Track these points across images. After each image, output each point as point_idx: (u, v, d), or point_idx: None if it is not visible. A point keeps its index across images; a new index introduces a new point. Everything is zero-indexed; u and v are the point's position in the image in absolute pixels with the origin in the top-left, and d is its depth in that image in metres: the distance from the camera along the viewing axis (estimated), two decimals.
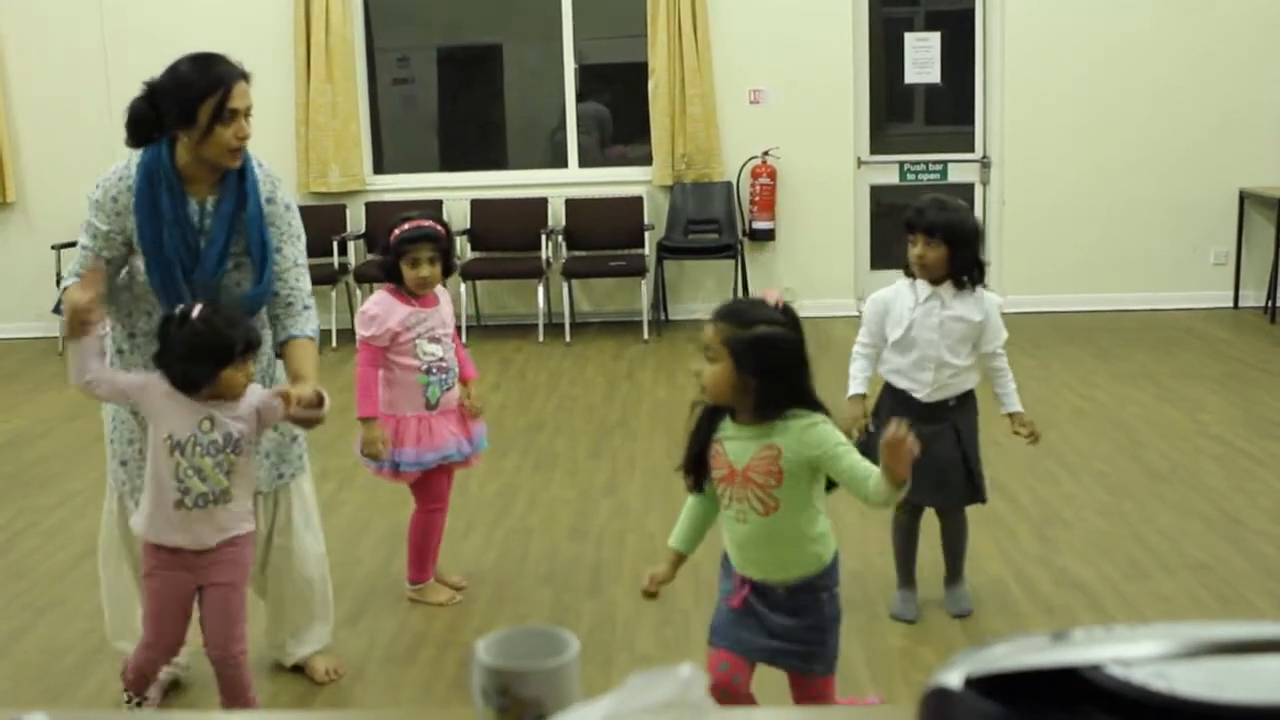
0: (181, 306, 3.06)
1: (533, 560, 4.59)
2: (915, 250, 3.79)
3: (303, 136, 8.92)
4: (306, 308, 3.44)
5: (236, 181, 3.34)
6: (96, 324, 3.01)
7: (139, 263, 3.32)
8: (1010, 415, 3.93)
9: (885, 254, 9.01)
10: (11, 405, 7.20)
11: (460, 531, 4.89)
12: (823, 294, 8.85)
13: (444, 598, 4.22)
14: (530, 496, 5.31)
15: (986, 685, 1.05)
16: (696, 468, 2.79)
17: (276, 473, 3.57)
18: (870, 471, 2.63)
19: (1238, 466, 5.35)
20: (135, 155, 3.31)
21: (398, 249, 4.04)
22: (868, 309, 3.96)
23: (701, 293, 9.09)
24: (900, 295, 3.88)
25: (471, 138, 10.06)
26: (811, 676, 2.85)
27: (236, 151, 3.27)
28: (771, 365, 2.63)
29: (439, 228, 4.10)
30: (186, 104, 3.21)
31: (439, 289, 4.17)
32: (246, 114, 3.30)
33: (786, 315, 2.66)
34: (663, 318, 8.90)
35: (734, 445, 2.72)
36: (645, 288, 8.73)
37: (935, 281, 3.81)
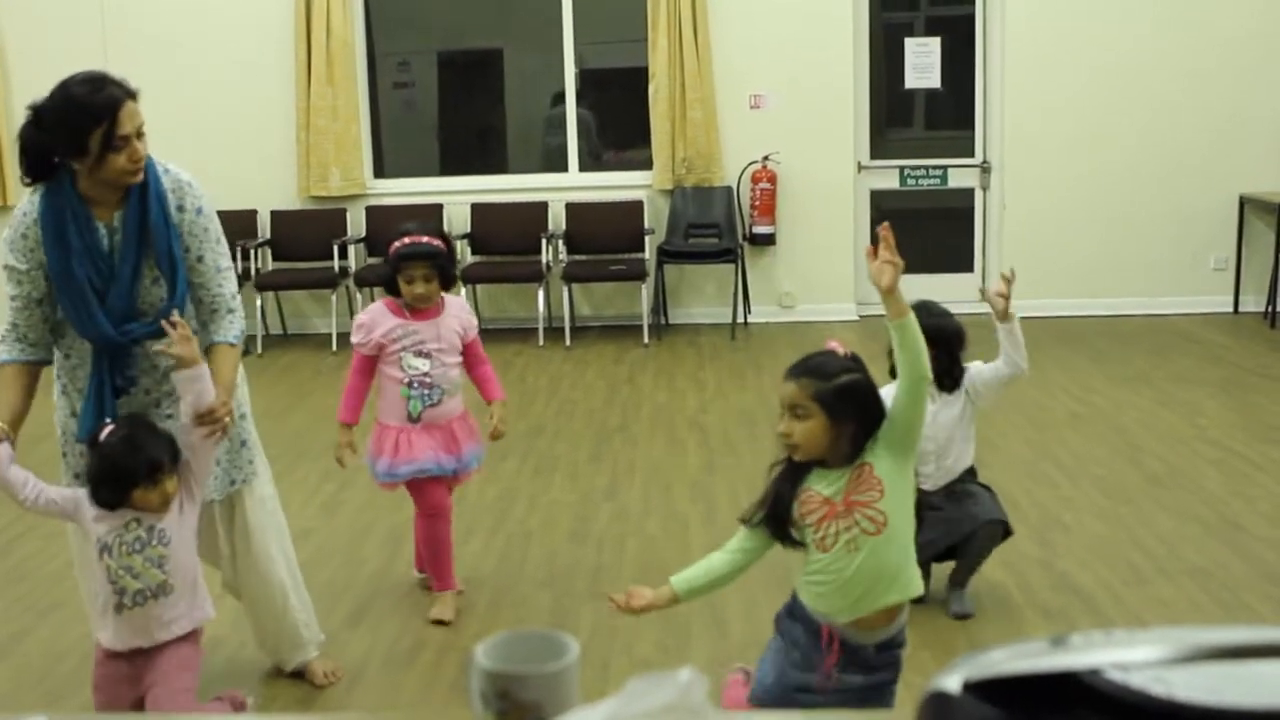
0: (98, 430, 3.07)
1: (532, 564, 4.60)
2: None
3: (303, 140, 8.92)
4: (231, 311, 3.39)
5: (139, 197, 3.25)
6: None
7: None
8: (998, 314, 3.95)
9: None
10: None
11: (460, 536, 4.88)
12: (823, 299, 8.86)
13: (445, 615, 4.13)
14: (530, 500, 5.32)
15: (985, 690, 1.05)
16: (781, 520, 2.78)
17: (229, 479, 3.51)
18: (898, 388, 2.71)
19: (1236, 471, 5.36)
20: (38, 188, 3.25)
21: (394, 264, 4.05)
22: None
23: (702, 297, 9.10)
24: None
25: (472, 142, 10.07)
26: None
27: (135, 172, 3.18)
28: (862, 409, 2.69)
29: (436, 243, 4.05)
30: (75, 135, 3.10)
31: (455, 301, 4.18)
32: (139, 134, 3.16)
33: (855, 361, 2.75)
34: (663, 322, 8.90)
35: (826, 485, 2.72)
36: (645, 292, 8.73)
37: None
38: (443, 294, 4.13)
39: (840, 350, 2.76)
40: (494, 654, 1.27)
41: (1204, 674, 0.95)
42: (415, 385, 4.04)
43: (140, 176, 3.20)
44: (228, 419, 3.19)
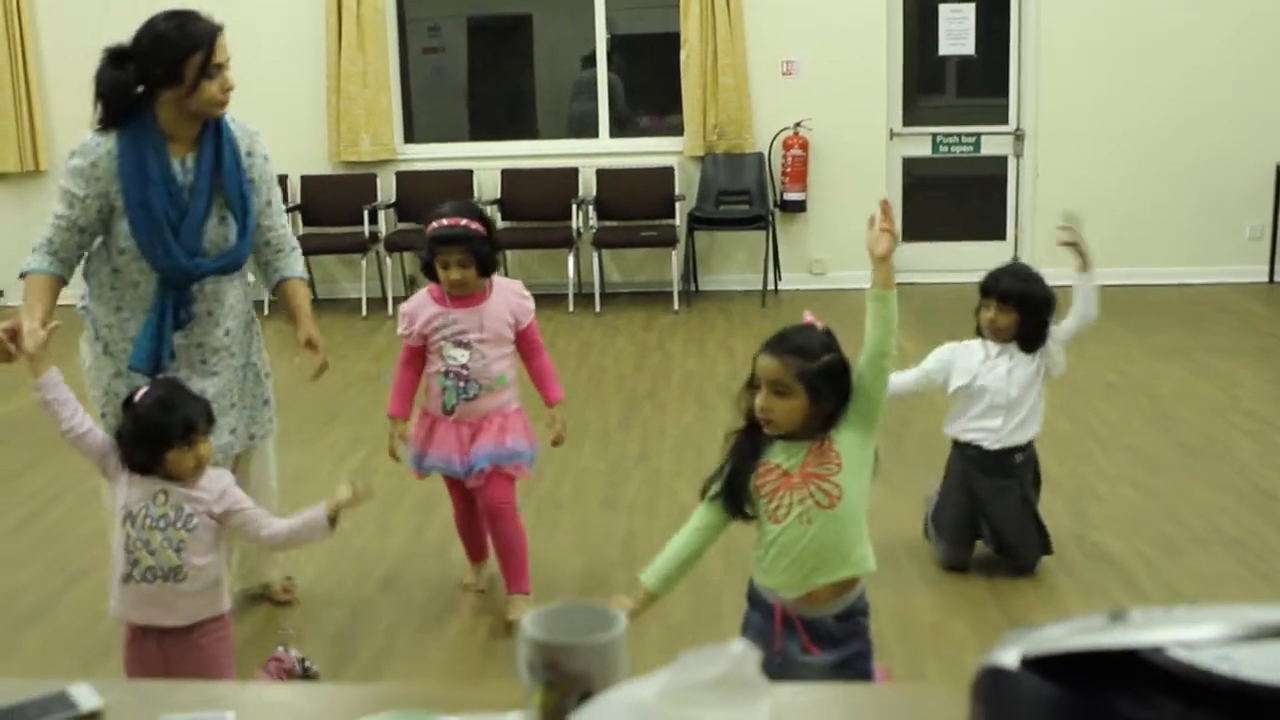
0: (134, 391, 3.06)
1: (563, 532, 4.60)
2: (988, 314, 3.97)
3: (333, 106, 8.91)
4: (294, 249, 3.75)
5: (214, 137, 3.47)
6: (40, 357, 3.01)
7: (123, 226, 3.41)
8: (1083, 264, 4.12)
9: (917, 226, 8.97)
10: None
11: None
12: (854, 266, 8.80)
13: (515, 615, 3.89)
14: (561, 467, 5.31)
15: (1043, 665, 1.04)
16: (737, 494, 2.76)
17: (248, 434, 3.75)
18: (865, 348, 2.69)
19: (1272, 442, 5.31)
20: (97, 135, 3.41)
21: (429, 248, 3.78)
22: (936, 352, 4.09)
23: (732, 264, 9.07)
24: (971, 351, 4.04)
25: (502, 107, 10.04)
26: None
27: (224, 102, 3.42)
28: (841, 388, 2.67)
29: (472, 226, 3.73)
30: (172, 62, 3.30)
31: (506, 285, 3.90)
32: (228, 66, 3.40)
33: (830, 338, 2.72)
34: (693, 288, 8.88)
35: (787, 458, 2.70)
36: (676, 258, 8.70)
37: (1004, 342, 3.98)
38: (492, 278, 3.85)
39: (818, 324, 2.73)
40: (542, 625, 1.27)
41: (1270, 653, 0.94)
42: (450, 375, 3.79)
43: (226, 107, 3.44)
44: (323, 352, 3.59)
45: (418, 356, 3.87)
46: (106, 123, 3.39)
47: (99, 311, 3.55)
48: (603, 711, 1.07)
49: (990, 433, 3.98)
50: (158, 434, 2.96)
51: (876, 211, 2.72)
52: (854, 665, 2.79)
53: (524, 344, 3.91)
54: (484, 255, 3.75)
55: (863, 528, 2.75)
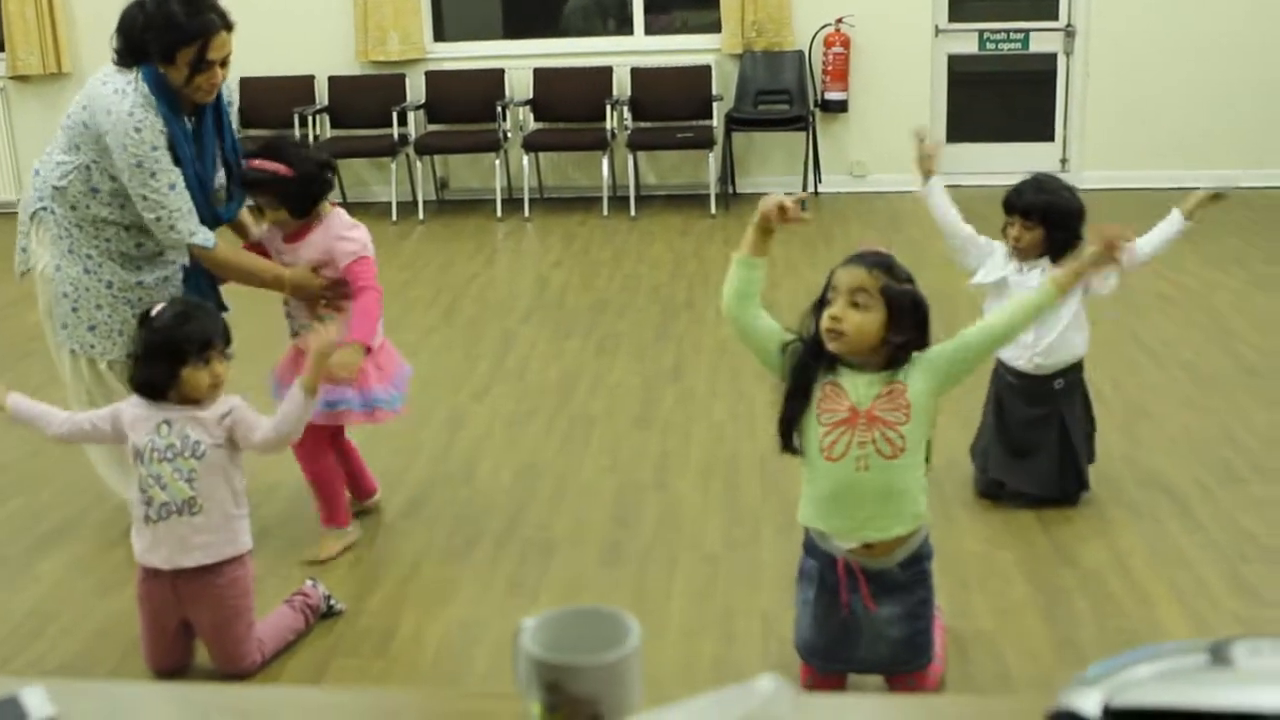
0: (149, 308, 3.02)
1: (595, 451, 4.45)
2: (1012, 232, 3.74)
3: (360, 4, 8.66)
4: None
5: (216, 100, 3.63)
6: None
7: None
8: (1189, 214, 3.86)
9: (962, 127, 8.70)
10: None
11: (520, 418, 4.76)
12: (896, 169, 8.55)
13: (335, 549, 3.75)
14: (594, 381, 5.16)
15: (1128, 717, 0.88)
16: (790, 420, 2.61)
17: None
18: (984, 324, 2.65)
19: None
20: (128, 84, 3.43)
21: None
22: (987, 238, 3.88)
23: (770, 165, 8.83)
24: (1008, 259, 3.79)
25: (535, 4, 9.75)
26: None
27: (209, 94, 3.52)
28: (919, 325, 2.56)
29: (272, 167, 3.56)
30: (168, 46, 3.39)
31: (335, 222, 3.68)
32: (224, 63, 3.46)
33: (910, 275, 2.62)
34: (730, 191, 8.65)
35: (855, 385, 2.54)
36: (713, 160, 8.47)
37: (1032, 259, 3.74)
38: (328, 213, 3.67)
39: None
40: (544, 635, 1.11)
41: None
42: (287, 310, 3.78)
43: (210, 100, 3.55)
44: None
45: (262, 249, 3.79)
46: (124, 60, 3.48)
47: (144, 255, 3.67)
48: None
49: (1024, 349, 3.74)
50: (174, 348, 2.86)
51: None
52: (917, 615, 2.69)
53: (352, 279, 3.63)
54: (291, 195, 3.59)
55: (923, 482, 2.62)
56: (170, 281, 3.68)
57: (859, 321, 2.50)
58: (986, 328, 2.63)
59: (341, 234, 3.63)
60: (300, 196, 3.60)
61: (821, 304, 2.56)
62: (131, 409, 2.95)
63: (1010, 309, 2.64)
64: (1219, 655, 0.88)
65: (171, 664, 3.06)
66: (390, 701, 1.23)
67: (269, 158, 3.59)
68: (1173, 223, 3.84)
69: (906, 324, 2.52)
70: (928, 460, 2.64)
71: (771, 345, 2.64)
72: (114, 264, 3.60)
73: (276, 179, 3.56)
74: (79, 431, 3.03)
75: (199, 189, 3.56)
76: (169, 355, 2.88)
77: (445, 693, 1.54)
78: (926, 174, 3.83)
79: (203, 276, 3.69)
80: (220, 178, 3.71)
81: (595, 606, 1.13)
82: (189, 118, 3.55)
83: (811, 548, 2.71)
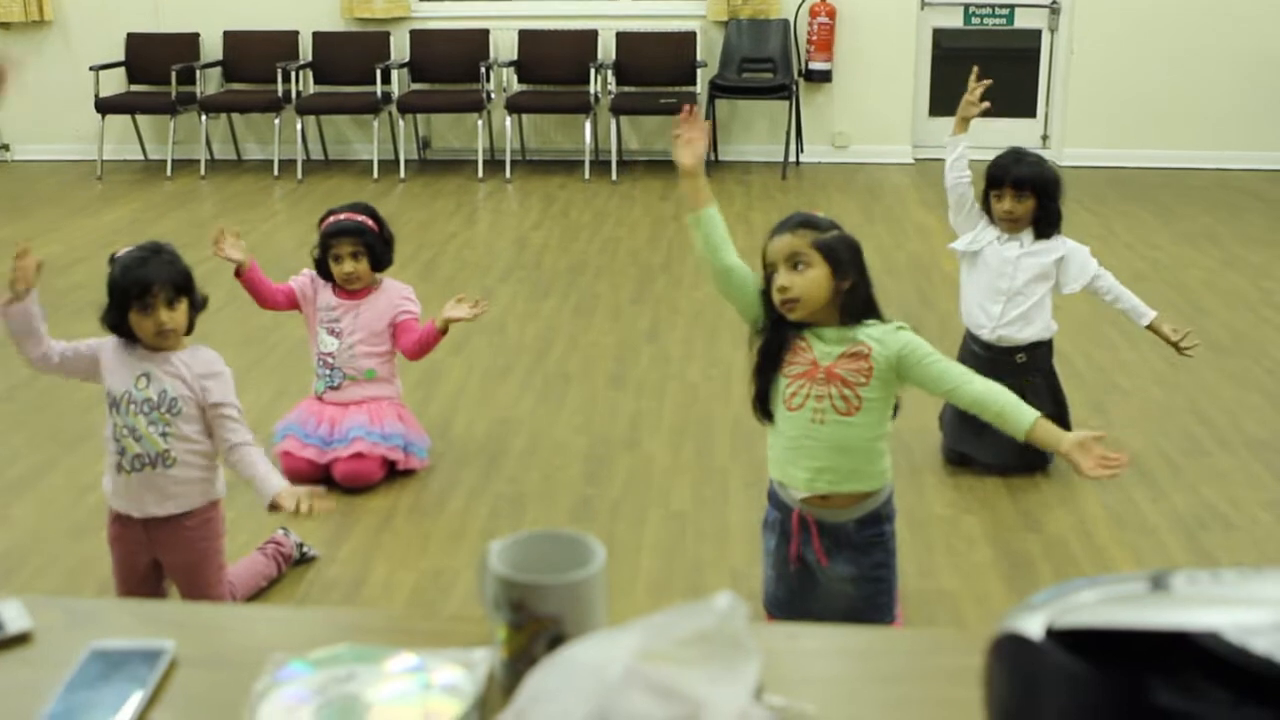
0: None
1: (569, 409, 4.48)
2: (1003, 205, 3.80)
3: None
4: None
5: None
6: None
7: None
8: (1152, 328, 3.90)
9: (946, 100, 8.70)
10: (47, 229, 7.09)
11: (496, 374, 4.79)
12: (878, 140, 8.59)
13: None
14: (570, 340, 5.19)
15: (1070, 638, 0.91)
16: (768, 390, 2.63)
17: None
18: (967, 378, 2.53)
19: None
20: None
21: (323, 242, 3.91)
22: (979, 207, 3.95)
23: (753, 134, 8.84)
24: (989, 228, 3.90)
25: None
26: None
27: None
28: (858, 267, 2.57)
29: (365, 221, 3.89)
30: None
31: (396, 288, 3.99)
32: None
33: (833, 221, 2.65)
34: (712, 158, 8.65)
35: (820, 344, 2.57)
36: None
37: (1019, 231, 3.85)
38: (383, 279, 3.98)
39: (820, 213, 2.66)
40: (511, 556, 1.14)
41: None
42: (321, 363, 3.95)
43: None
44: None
45: (289, 296, 3.97)
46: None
47: None
48: (560, 676, 0.94)
49: (989, 319, 3.84)
50: (119, 293, 2.85)
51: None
52: (874, 578, 2.69)
53: (399, 332, 3.94)
54: (376, 249, 3.88)
55: (880, 446, 2.62)
56: None
57: (805, 283, 2.52)
58: (959, 384, 2.53)
59: (406, 295, 3.97)
60: (382, 251, 3.91)
61: (768, 285, 2.59)
62: (111, 352, 2.94)
63: (988, 394, 2.51)
64: (1159, 583, 0.92)
65: None
66: (362, 619, 1.26)
67: (360, 212, 3.90)
68: (1141, 315, 3.91)
69: (848, 266, 2.54)
70: (894, 417, 2.65)
71: (750, 290, 2.68)
72: None
73: (370, 230, 3.87)
74: (70, 355, 2.95)
75: None
76: (116, 298, 2.87)
77: (414, 613, 1.56)
78: (964, 121, 3.92)
79: None
80: None
81: (561, 530, 1.16)
82: None
83: (774, 497, 2.73)
